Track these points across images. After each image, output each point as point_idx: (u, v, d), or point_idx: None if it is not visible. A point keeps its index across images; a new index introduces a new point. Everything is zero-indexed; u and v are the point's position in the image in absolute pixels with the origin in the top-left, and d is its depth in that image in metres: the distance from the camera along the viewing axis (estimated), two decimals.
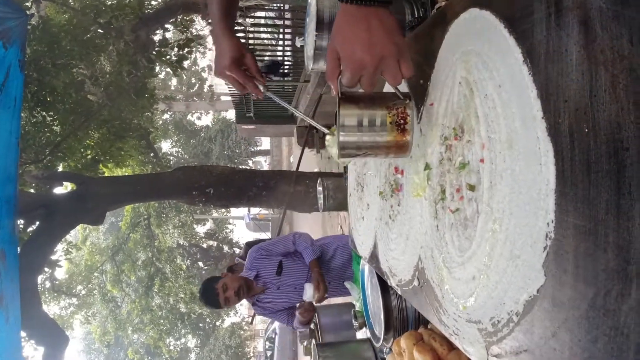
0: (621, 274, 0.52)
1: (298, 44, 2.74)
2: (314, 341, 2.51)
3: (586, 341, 0.57)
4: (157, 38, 6.46)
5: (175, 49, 6.27)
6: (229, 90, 7.15)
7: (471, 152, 0.84)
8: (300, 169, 6.00)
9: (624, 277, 0.51)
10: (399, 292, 1.33)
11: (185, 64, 7.20)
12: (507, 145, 0.72)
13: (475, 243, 0.84)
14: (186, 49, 6.27)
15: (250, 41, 5.38)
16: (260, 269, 3.00)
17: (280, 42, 5.61)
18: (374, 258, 1.61)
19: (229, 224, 21.85)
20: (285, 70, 5.30)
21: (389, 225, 1.40)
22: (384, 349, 2.00)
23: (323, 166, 9.23)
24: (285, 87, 6.76)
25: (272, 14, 5.04)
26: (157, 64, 6.35)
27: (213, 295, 2.85)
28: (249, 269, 3.02)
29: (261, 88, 1.32)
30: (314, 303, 2.83)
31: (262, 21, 5.67)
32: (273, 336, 13.86)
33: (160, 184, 5.26)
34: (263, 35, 5.44)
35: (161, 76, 15.66)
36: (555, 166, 0.62)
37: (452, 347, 1.29)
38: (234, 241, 20.43)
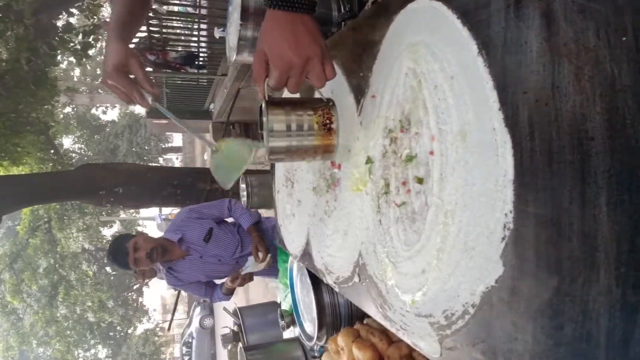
0: (588, 261, 0.54)
1: (217, 35, 2.64)
2: (240, 344, 2.44)
3: (550, 328, 0.59)
4: (60, 23, 5.90)
5: (80, 36, 5.77)
6: None
7: (419, 144, 0.84)
8: None
9: (591, 263, 0.53)
10: (337, 290, 1.31)
11: (91, 52, 6.67)
12: (459, 137, 0.73)
13: (424, 236, 0.84)
14: (92, 36, 5.79)
15: (165, 30, 5.09)
16: (187, 231, 2.82)
17: (196, 33, 5.38)
18: (306, 256, 1.58)
19: (139, 225, 20.83)
20: (202, 63, 5.10)
21: (324, 221, 1.38)
22: (315, 347, 1.99)
23: None
24: (200, 81, 6.52)
25: (188, 2, 4.82)
26: (59, 51, 5.79)
27: (122, 253, 2.61)
28: (173, 230, 2.83)
29: (149, 99, 1.23)
30: (257, 269, 2.71)
31: (176, 9, 5.40)
32: (190, 340, 13.57)
33: (62, 183, 4.82)
34: (178, 24, 5.19)
35: (63, 66, 14.41)
36: (514, 157, 0.63)
37: (391, 341, 1.31)
38: None
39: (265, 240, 2.86)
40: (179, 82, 6.56)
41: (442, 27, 0.75)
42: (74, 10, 6.47)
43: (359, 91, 1.10)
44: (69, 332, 12.76)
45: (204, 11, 5.02)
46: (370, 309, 1.10)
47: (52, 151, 7.65)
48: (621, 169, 0.50)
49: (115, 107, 20.20)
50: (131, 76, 1.20)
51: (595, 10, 0.50)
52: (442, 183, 0.78)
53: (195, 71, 5.29)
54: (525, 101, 0.60)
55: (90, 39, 5.89)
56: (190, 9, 5.42)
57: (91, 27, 6.02)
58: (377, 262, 1.03)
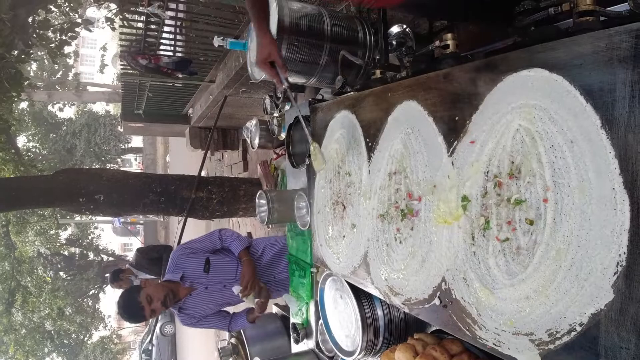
0: None
1: (216, 43, 2.83)
2: (257, 358, 2.61)
3: None
4: (37, 19, 5.87)
5: (58, 34, 5.77)
6: (121, 83, 6.78)
7: (530, 191, 1.09)
8: (181, 172, 5.97)
9: None
10: (406, 310, 1.54)
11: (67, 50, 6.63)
12: (577, 190, 0.98)
13: (531, 268, 1.08)
14: (69, 34, 5.81)
15: (165, 35, 5.21)
16: (186, 268, 2.99)
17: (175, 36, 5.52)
18: (359, 276, 1.79)
19: (95, 228, 20.45)
20: (193, 69, 5.24)
21: (391, 246, 1.60)
22: None
23: (213, 169, 9.15)
24: (176, 84, 6.64)
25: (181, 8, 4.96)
26: (35, 48, 5.77)
27: (137, 309, 2.78)
28: (172, 271, 2.99)
29: (284, 84, 1.86)
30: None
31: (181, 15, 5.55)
32: (150, 348, 13.49)
33: (39, 189, 4.81)
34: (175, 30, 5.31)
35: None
36: (631, 212, 0.88)
37: (451, 355, 1.53)
38: (100, 247, 19.17)
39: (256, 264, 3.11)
40: (162, 85, 6.67)
41: (563, 99, 1.01)
42: (52, 7, 6.47)
43: (452, 134, 1.33)
44: (27, 342, 12.44)
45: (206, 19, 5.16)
46: (454, 328, 1.33)
47: (12, 151, 7.54)
48: None
49: (73, 104, 19.84)
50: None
51: None
52: (555, 226, 1.03)
53: (186, 77, 5.43)
54: None
55: (67, 37, 5.91)
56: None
57: (68, 24, 6.04)
58: (468, 287, 1.26)
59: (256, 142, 3.70)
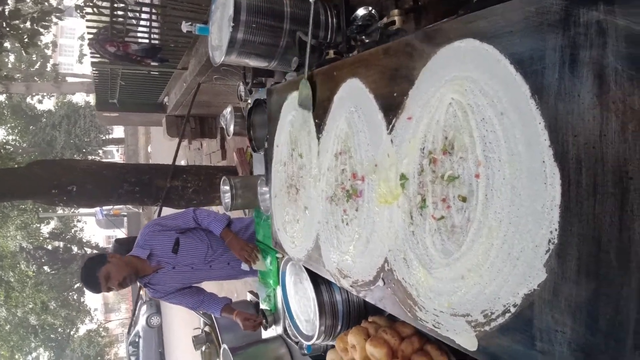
0: (622, 269, 0.72)
1: (184, 29, 2.71)
2: (224, 345, 2.53)
3: (588, 320, 0.77)
4: (7, 8, 5.62)
5: (28, 23, 5.53)
6: (92, 72, 6.55)
7: (463, 167, 1.01)
8: (163, 162, 5.82)
9: (625, 271, 0.72)
10: (354, 292, 1.46)
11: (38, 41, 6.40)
12: (508, 165, 0.90)
13: (465, 247, 1.01)
14: (41, 23, 5.57)
15: (128, 21, 5.01)
16: (155, 246, 2.89)
17: (150, 23, 5.31)
18: (313, 260, 1.72)
19: (78, 221, 20.12)
20: (163, 56, 5.07)
21: (339, 228, 1.52)
22: (304, 345, 2.13)
23: (192, 158, 8.98)
24: (152, 72, 6.45)
25: None
26: (7, 39, 5.52)
27: (94, 282, 2.69)
28: (141, 246, 2.89)
29: None
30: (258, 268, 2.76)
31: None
32: (137, 340, 13.37)
33: (13, 181, 4.64)
34: (143, 16, 5.11)
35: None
36: (562, 186, 0.81)
37: (402, 337, 1.47)
38: (84, 240, 18.88)
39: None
40: (135, 74, 6.47)
41: (494, 69, 0.92)
42: None
43: (390, 111, 1.25)
44: (11, 337, 12.21)
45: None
46: (396, 309, 1.26)
47: None
48: None
49: (52, 96, 19.34)
50: None
51: None
52: (487, 202, 0.95)
53: (157, 64, 5.25)
54: (575, 142, 0.78)
55: (39, 26, 5.68)
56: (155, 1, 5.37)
57: (40, 13, 5.80)
58: (408, 268, 1.19)
59: (231, 129, 3.60)
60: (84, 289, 2.93)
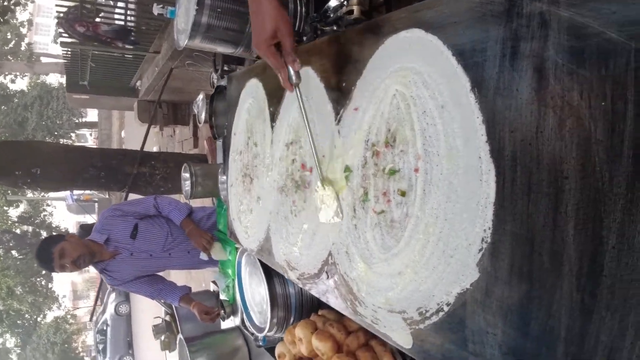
0: (555, 272, 0.68)
1: (156, 11, 2.60)
2: (180, 335, 2.46)
3: (519, 323, 0.73)
4: None
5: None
6: (62, 52, 6.28)
7: (403, 160, 0.95)
8: (134, 147, 5.66)
9: (557, 274, 0.67)
10: (300, 285, 1.41)
11: (9, 17, 6.11)
12: (446, 159, 0.85)
13: (403, 242, 0.96)
14: (13, 0, 5.32)
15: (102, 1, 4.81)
16: (113, 231, 2.78)
17: (131, 6, 5.12)
18: (264, 251, 1.66)
19: (48, 205, 19.50)
20: (134, 38, 4.88)
21: (288, 220, 1.46)
22: (259, 337, 2.07)
23: (164, 145, 8.78)
24: (126, 55, 6.23)
25: None
26: None
27: (47, 258, 2.59)
28: (98, 231, 2.78)
29: (293, 79, 1.12)
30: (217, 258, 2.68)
31: None
32: (105, 328, 13.04)
33: None
34: None
35: None
36: (496, 184, 0.76)
37: (348, 331, 1.43)
38: (53, 225, 18.35)
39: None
40: (106, 56, 6.25)
41: (437, 60, 0.87)
42: None
43: (339, 101, 1.19)
44: None
45: None
46: (338, 303, 1.21)
47: None
48: (587, 204, 0.64)
49: (25, 76, 18.62)
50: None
51: (582, 75, 0.63)
52: (425, 197, 0.90)
53: (128, 47, 5.07)
54: (511, 138, 0.73)
55: (10, 3, 5.42)
56: None
57: None
58: (350, 262, 1.14)
59: (203, 117, 3.49)
60: (39, 266, 2.82)
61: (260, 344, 2.11)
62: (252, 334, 2.21)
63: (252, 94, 1.77)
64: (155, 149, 8.91)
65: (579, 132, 0.64)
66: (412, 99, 0.92)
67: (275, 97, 1.57)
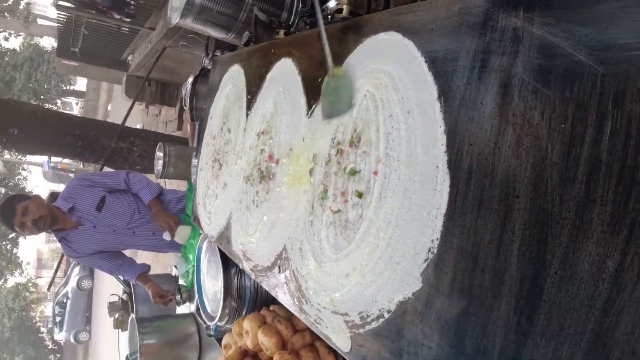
0: (494, 291, 0.66)
1: None
2: (132, 315, 2.40)
3: (454, 339, 0.71)
4: None
5: None
6: (57, 14, 6.11)
7: (365, 162, 0.93)
8: (119, 121, 5.55)
9: (497, 294, 0.65)
10: (253, 277, 1.37)
11: None
12: (405, 165, 0.83)
13: (354, 244, 0.93)
14: None
15: None
16: (79, 200, 2.68)
17: None
18: (224, 238, 1.62)
19: (23, 169, 19.01)
20: (131, 11, 4.77)
21: (250, 210, 1.43)
22: (211, 326, 2.03)
23: (148, 123, 8.62)
24: (123, 29, 6.09)
25: None
26: None
27: (9, 213, 2.51)
28: (64, 198, 2.69)
29: None
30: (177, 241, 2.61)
31: None
32: (64, 301, 12.67)
33: None
34: None
35: None
36: (449, 195, 0.74)
37: (295, 329, 1.40)
38: (26, 190, 17.88)
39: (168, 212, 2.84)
40: (101, 25, 6.10)
41: (409, 65, 0.84)
42: None
43: (313, 95, 1.16)
44: None
45: None
46: (286, 299, 1.17)
47: None
48: (535, 226, 0.62)
49: (19, 35, 18.10)
50: None
51: (545, 95, 0.61)
52: (380, 202, 0.87)
53: (124, 19, 4.95)
54: (469, 151, 0.71)
55: None
56: None
57: None
58: (302, 258, 1.11)
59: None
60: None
61: (211, 333, 2.07)
62: (205, 322, 2.17)
63: (233, 79, 1.73)
64: (138, 126, 8.76)
65: (536, 152, 0.62)
66: (382, 101, 0.90)
67: (254, 85, 1.53)
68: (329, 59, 1.03)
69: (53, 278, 8.21)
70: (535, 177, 0.62)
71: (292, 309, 1.14)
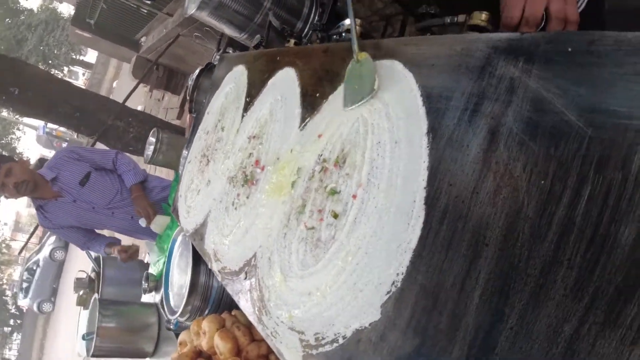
0: (449, 335, 0.64)
1: None
2: (95, 295, 2.35)
3: None
4: None
5: None
6: None
7: (346, 184, 0.91)
8: (121, 100, 5.52)
9: (451, 338, 0.64)
10: (219, 279, 1.35)
11: None
12: (383, 194, 0.81)
13: (321, 264, 0.91)
14: None
15: None
16: (63, 172, 2.65)
17: None
18: (198, 235, 1.59)
19: (18, 129, 18.78)
20: None
21: (228, 211, 1.41)
22: (172, 320, 1.99)
23: (150, 107, 8.59)
24: (141, 9, 6.08)
25: None
26: None
27: None
28: (49, 167, 2.66)
29: None
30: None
31: None
32: (34, 268, 12.44)
33: None
34: None
35: None
36: (422, 232, 0.73)
37: (253, 338, 1.37)
38: (17, 151, 17.67)
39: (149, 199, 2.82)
40: (120, 2, 6.09)
41: (405, 97, 0.84)
42: None
43: (308, 109, 1.15)
44: None
45: None
46: (247, 307, 1.15)
47: None
48: (499, 277, 0.61)
49: None
50: None
51: (531, 148, 0.61)
52: (354, 225, 0.86)
53: (145, 1, 4.94)
54: (448, 191, 0.70)
55: None
56: None
57: None
58: (269, 269, 1.09)
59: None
60: None
61: (172, 327, 2.03)
62: (166, 315, 2.13)
63: (236, 79, 1.72)
64: (139, 108, 8.72)
65: (512, 204, 0.61)
66: (372, 126, 0.89)
67: (254, 88, 1.52)
68: (355, 45, 0.99)
69: (26, 243, 8.07)
70: (507, 228, 0.61)
71: (251, 317, 1.11)
